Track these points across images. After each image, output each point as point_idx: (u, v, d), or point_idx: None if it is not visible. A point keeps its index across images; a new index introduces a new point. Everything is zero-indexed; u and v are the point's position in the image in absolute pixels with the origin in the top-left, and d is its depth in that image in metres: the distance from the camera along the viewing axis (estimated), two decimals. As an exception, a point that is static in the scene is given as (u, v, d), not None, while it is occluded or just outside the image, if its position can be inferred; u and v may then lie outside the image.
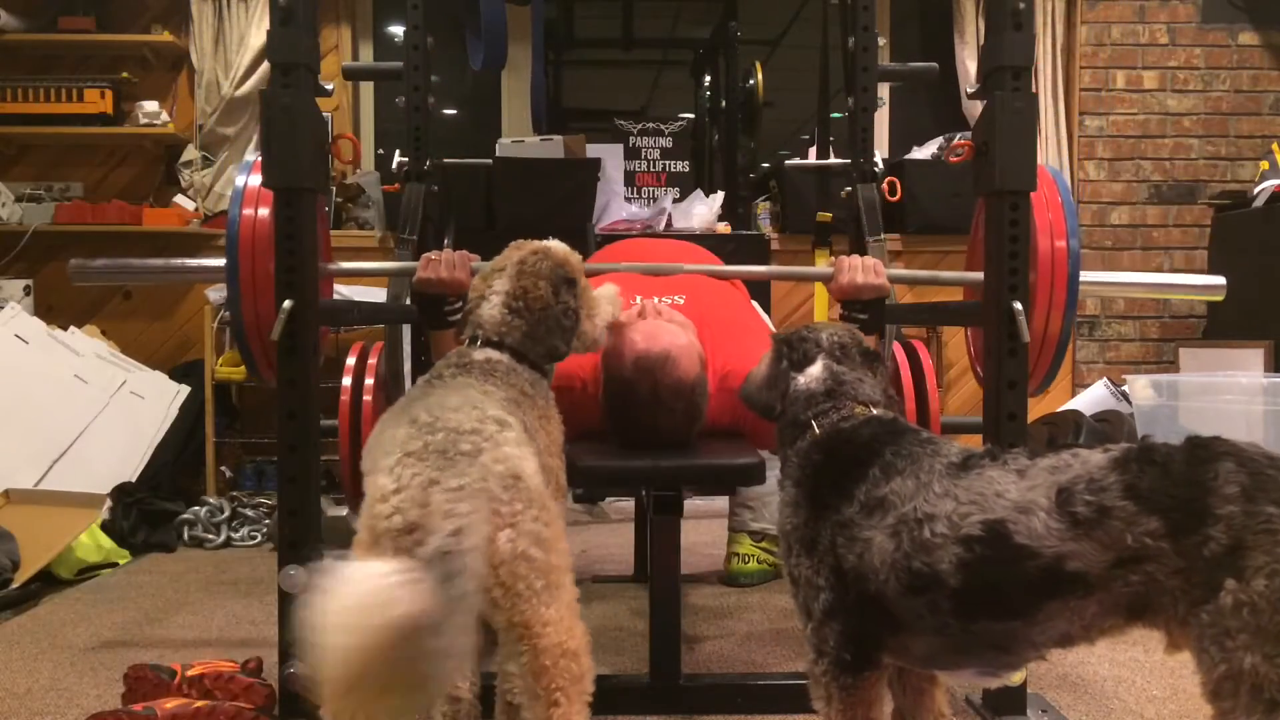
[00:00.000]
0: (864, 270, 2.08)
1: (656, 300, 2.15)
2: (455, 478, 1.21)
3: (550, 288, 1.62)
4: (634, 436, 1.95)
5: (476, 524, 1.16)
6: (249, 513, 3.60)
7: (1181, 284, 2.62)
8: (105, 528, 3.23)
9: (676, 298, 2.19)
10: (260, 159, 1.87)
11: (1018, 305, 1.76)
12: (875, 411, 1.43)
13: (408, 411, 1.34)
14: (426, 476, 1.21)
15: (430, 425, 1.28)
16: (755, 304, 2.58)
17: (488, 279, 1.64)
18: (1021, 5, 1.74)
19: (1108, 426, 3.70)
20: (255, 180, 2.07)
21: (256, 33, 4.19)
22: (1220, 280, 2.32)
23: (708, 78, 4.77)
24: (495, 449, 1.27)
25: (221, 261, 2.09)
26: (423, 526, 1.15)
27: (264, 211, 2.05)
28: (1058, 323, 2.11)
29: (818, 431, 1.41)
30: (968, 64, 4.37)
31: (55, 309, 4.18)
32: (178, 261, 2.66)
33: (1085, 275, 2.15)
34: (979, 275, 1.93)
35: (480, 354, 1.53)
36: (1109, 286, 2.63)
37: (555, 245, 1.70)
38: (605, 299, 1.78)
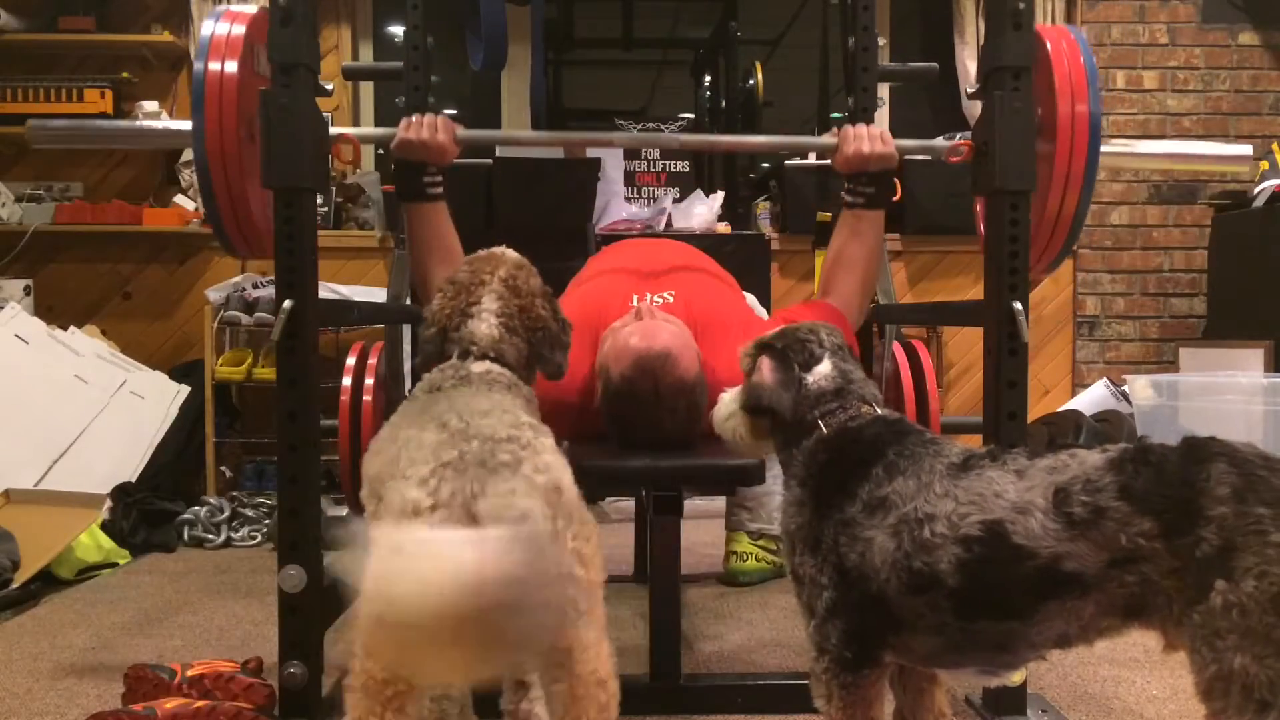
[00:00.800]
0: (870, 139, 2.02)
1: (649, 298, 2.15)
2: (503, 483, 1.15)
3: (548, 306, 1.58)
4: (636, 437, 1.94)
5: (537, 514, 1.11)
6: (249, 513, 3.60)
7: (1205, 153, 2.45)
8: (105, 528, 3.23)
9: (666, 295, 2.18)
10: (231, 7, 1.84)
11: (1018, 305, 1.76)
12: (880, 411, 1.43)
13: (430, 414, 1.27)
14: (470, 492, 1.14)
15: (463, 432, 1.21)
16: (752, 297, 2.56)
17: (465, 293, 1.54)
18: (1021, 5, 1.74)
19: (1108, 426, 3.70)
20: (224, 29, 1.97)
21: (256, 33, 4.19)
22: (1246, 150, 2.20)
23: (708, 78, 4.77)
24: (535, 457, 1.20)
25: (188, 125, 1.98)
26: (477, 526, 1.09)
27: (232, 66, 1.94)
28: (1074, 201, 1.98)
29: (825, 431, 1.41)
30: (968, 64, 4.36)
31: (55, 309, 4.18)
32: (140, 124, 2.55)
33: (1106, 147, 2.00)
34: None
35: (479, 366, 1.47)
36: (1130, 157, 2.44)
37: (520, 257, 1.63)
38: None
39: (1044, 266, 2.11)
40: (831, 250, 2.22)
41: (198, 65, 1.96)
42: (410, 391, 1.51)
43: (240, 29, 2.00)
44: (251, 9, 2.05)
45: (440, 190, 2.15)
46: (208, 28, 1.99)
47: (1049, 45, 2.00)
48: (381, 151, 4.68)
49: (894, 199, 2.32)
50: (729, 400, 1.59)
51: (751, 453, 1.62)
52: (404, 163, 2.10)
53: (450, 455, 1.17)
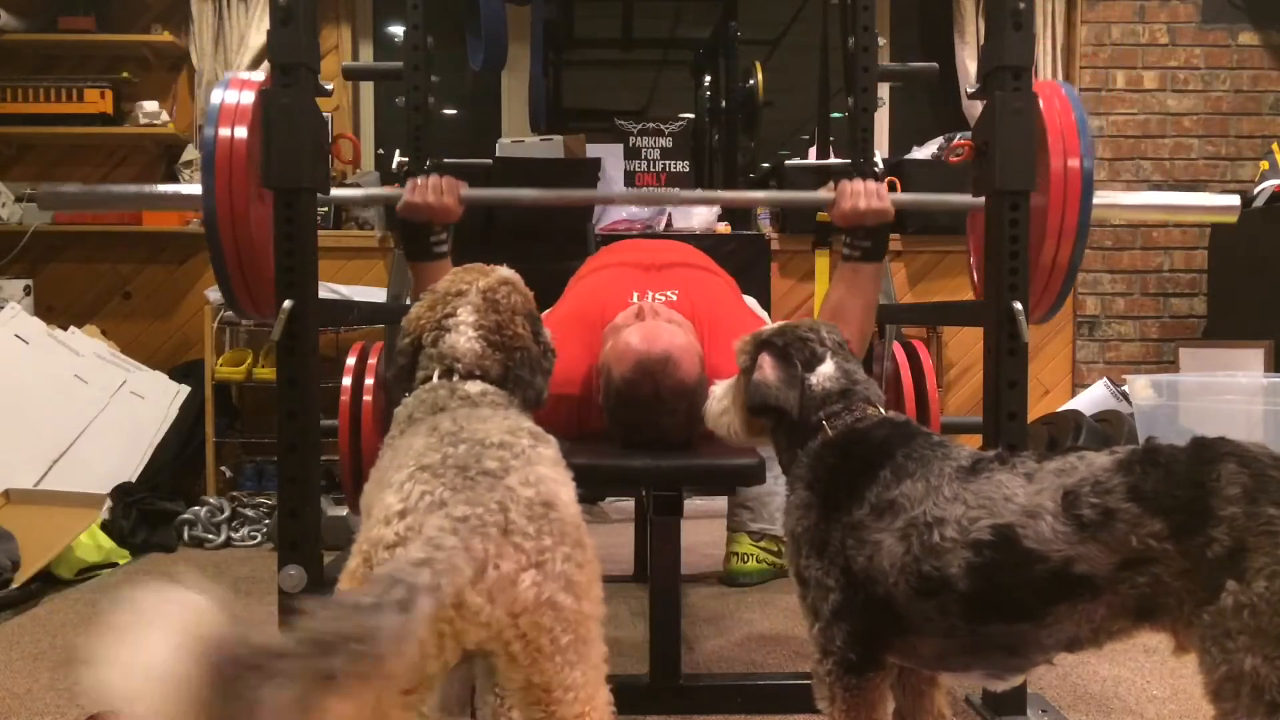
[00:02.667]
0: (866, 195, 2.04)
1: (651, 296, 2.15)
2: (464, 504, 1.03)
3: (528, 326, 1.48)
4: (637, 438, 1.94)
5: (455, 564, 0.96)
6: (249, 513, 3.59)
7: (1195, 204, 2.49)
8: (105, 528, 3.22)
9: (670, 293, 2.18)
10: (238, 76, 1.85)
11: (1018, 305, 1.76)
12: (886, 413, 1.43)
13: (429, 423, 1.20)
14: (437, 497, 1.04)
15: (453, 435, 1.14)
16: (752, 299, 2.56)
17: (442, 304, 1.45)
18: (1021, 5, 1.74)
19: (1108, 427, 3.70)
20: (233, 97, 2.00)
21: (256, 33, 4.19)
22: (1234, 200, 2.23)
23: (708, 78, 4.77)
24: (526, 468, 1.09)
25: (198, 189, 2.00)
26: (403, 548, 0.99)
27: (241, 132, 1.96)
28: (1067, 251, 2.01)
29: (830, 433, 1.40)
30: (968, 64, 4.37)
31: (55, 309, 4.18)
32: (151, 188, 2.57)
33: (1098, 198, 2.03)
34: (980, 200, 1.88)
35: (474, 386, 1.36)
36: (1122, 209, 2.49)
37: (511, 273, 1.54)
38: None
39: (1039, 315, 2.15)
40: (828, 302, 2.25)
41: (207, 131, 1.98)
42: (397, 411, 1.38)
43: (250, 96, 2.02)
44: (259, 76, 2.06)
45: (446, 249, 2.17)
46: (217, 96, 2.02)
47: (1041, 102, 2.02)
48: (381, 152, 4.68)
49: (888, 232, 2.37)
50: (721, 395, 1.56)
51: (745, 445, 1.60)
52: (410, 224, 2.11)
53: (432, 459, 1.10)
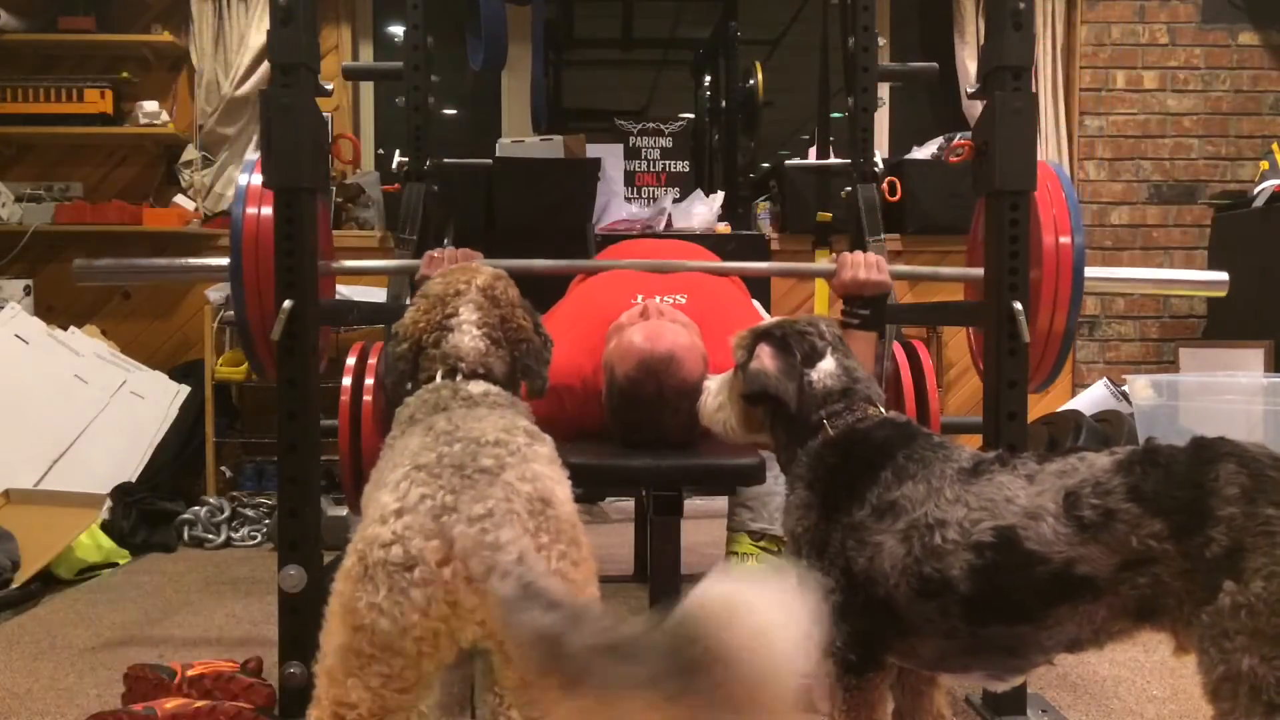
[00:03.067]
0: (866, 266, 2.08)
1: (659, 299, 2.15)
2: (477, 502, 1.03)
3: (529, 318, 1.48)
4: (639, 438, 1.94)
5: (527, 546, 1.00)
6: (249, 513, 3.60)
7: (1185, 280, 2.64)
8: (105, 528, 3.23)
9: (678, 297, 2.18)
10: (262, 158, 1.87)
11: (1018, 305, 1.76)
12: (887, 413, 1.42)
13: (426, 423, 1.20)
14: (439, 501, 1.04)
15: (449, 434, 1.14)
16: (756, 302, 2.57)
17: (440, 305, 1.44)
18: (1021, 5, 1.74)
19: (1108, 427, 3.70)
20: (258, 179, 2.05)
21: (256, 33, 4.19)
22: (1223, 276, 2.32)
23: (708, 78, 4.77)
24: (522, 465, 1.10)
25: (225, 261, 2.09)
26: (435, 574, 0.99)
27: (267, 211, 2.04)
28: (1062, 321, 2.09)
29: (831, 432, 1.39)
30: (968, 64, 4.37)
31: (55, 309, 4.18)
32: (181, 261, 2.69)
33: (1090, 272, 2.12)
34: (979, 271, 1.93)
35: (477, 387, 1.36)
36: (1113, 283, 2.61)
37: (500, 270, 1.54)
38: None
39: (1036, 384, 2.20)
40: None
41: (235, 210, 2.11)
42: (398, 411, 1.38)
43: None
44: None
45: None
46: (243, 179, 2.14)
47: None
48: (381, 152, 4.69)
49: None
50: (717, 390, 1.54)
51: (741, 443, 1.60)
52: None
53: (427, 458, 1.09)
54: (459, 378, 1.38)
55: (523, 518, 1.05)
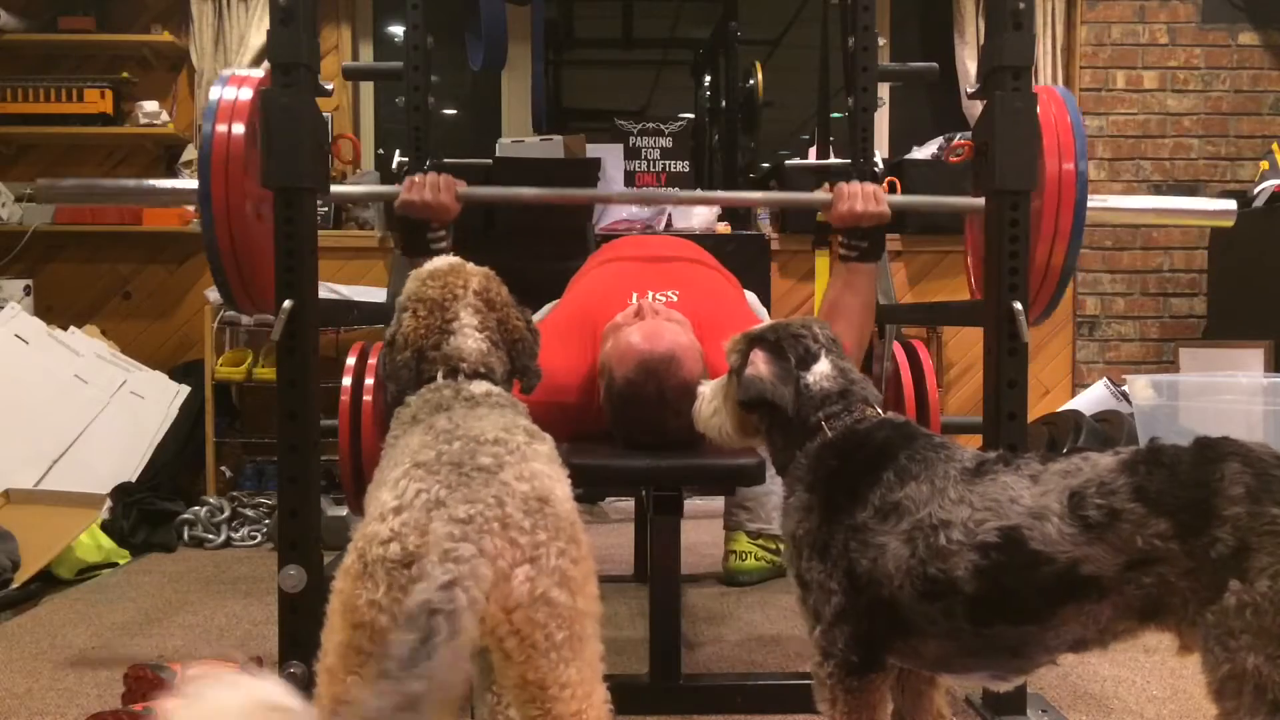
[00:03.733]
0: (864, 197, 2.07)
1: (651, 296, 2.14)
2: (464, 503, 1.04)
3: (521, 317, 1.51)
4: (640, 438, 1.94)
5: (478, 572, 0.99)
6: (249, 513, 3.60)
7: (1191, 209, 2.48)
8: (105, 528, 3.23)
9: (670, 293, 2.17)
10: (237, 73, 1.86)
11: (1018, 305, 1.76)
12: (885, 414, 1.42)
13: (427, 422, 1.22)
14: (433, 495, 1.05)
15: (448, 433, 1.15)
16: (753, 295, 2.56)
17: (439, 310, 1.45)
18: (1021, 5, 1.74)
19: (1108, 427, 3.69)
20: (231, 94, 2.00)
21: (256, 33, 4.19)
22: (1230, 205, 2.23)
23: (708, 78, 4.77)
24: (521, 463, 1.11)
25: (195, 184, 2.00)
26: (418, 564, 1.00)
27: (239, 128, 1.97)
28: (1061, 254, 2.02)
29: (830, 434, 1.39)
30: (968, 64, 4.37)
31: (55, 309, 4.18)
32: (149, 183, 2.55)
33: (1093, 201, 2.03)
34: (980, 201, 1.89)
35: (479, 387, 1.38)
36: (1117, 212, 2.49)
37: (487, 269, 1.56)
38: None
39: (1033, 317, 2.15)
40: (826, 301, 2.25)
41: (205, 127, 1.99)
42: (400, 411, 1.39)
43: (248, 93, 2.03)
44: (259, 73, 2.06)
45: (445, 245, 2.17)
46: (215, 92, 2.04)
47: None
48: (381, 152, 4.68)
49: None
50: (711, 396, 1.54)
51: (737, 449, 1.59)
52: (408, 221, 2.11)
53: (427, 456, 1.11)
54: (460, 378, 1.40)
55: (516, 519, 1.06)
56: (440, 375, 1.40)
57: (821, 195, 2.26)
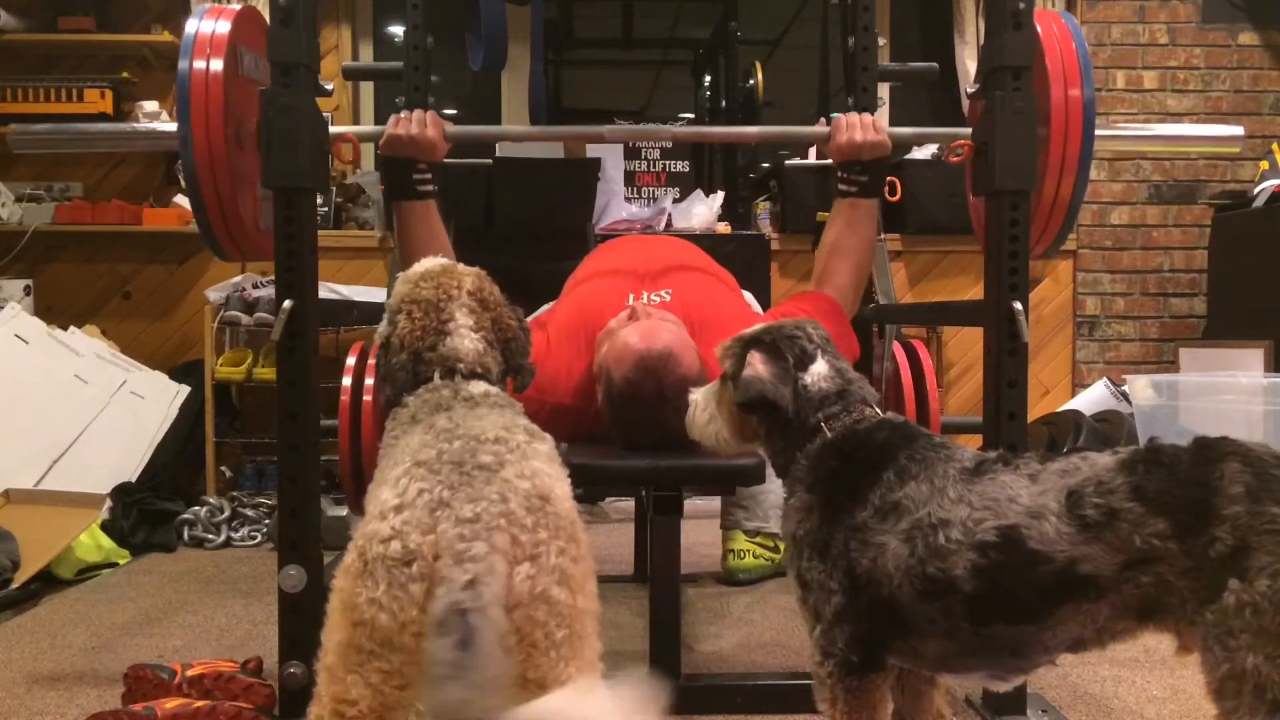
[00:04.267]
0: (863, 127, 2.04)
1: (646, 297, 2.14)
2: (469, 503, 1.05)
3: (514, 315, 1.53)
4: (640, 438, 1.93)
5: (495, 568, 1.01)
6: (249, 513, 3.59)
7: (1197, 135, 2.46)
8: (105, 528, 3.23)
9: (663, 293, 2.17)
10: (215, 4, 1.81)
11: (1018, 305, 1.76)
12: (885, 414, 1.42)
13: (427, 422, 1.22)
14: (436, 495, 1.06)
15: (449, 432, 1.16)
16: (750, 296, 2.55)
17: (434, 311, 1.46)
18: (1021, 5, 1.74)
19: (1108, 427, 3.69)
20: (208, 26, 1.93)
21: (256, 33, 4.19)
22: (1237, 131, 2.18)
23: (708, 78, 4.77)
24: (521, 462, 1.12)
25: (174, 127, 1.94)
26: (432, 569, 1.01)
27: (217, 65, 1.90)
28: (1069, 187, 1.95)
29: (829, 435, 1.39)
30: (968, 64, 4.36)
31: (55, 309, 4.18)
32: (128, 126, 2.48)
33: (1100, 129, 1.96)
34: (968, 130, 1.86)
35: (477, 387, 1.38)
36: (1124, 141, 2.41)
37: (477, 269, 1.57)
38: None
39: (1040, 251, 2.09)
40: (826, 239, 2.22)
41: (182, 64, 1.92)
42: (399, 411, 1.39)
43: (225, 26, 1.98)
44: (235, 6, 2.02)
45: (431, 189, 2.15)
46: (191, 25, 1.96)
47: (1040, 31, 1.98)
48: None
49: (890, 195, 2.28)
50: (705, 403, 1.52)
51: (734, 455, 1.58)
52: (393, 160, 2.10)
53: (427, 455, 1.11)
54: (458, 378, 1.41)
55: (519, 516, 1.06)
56: (437, 376, 1.41)
57: (820, 129, 2.21)
